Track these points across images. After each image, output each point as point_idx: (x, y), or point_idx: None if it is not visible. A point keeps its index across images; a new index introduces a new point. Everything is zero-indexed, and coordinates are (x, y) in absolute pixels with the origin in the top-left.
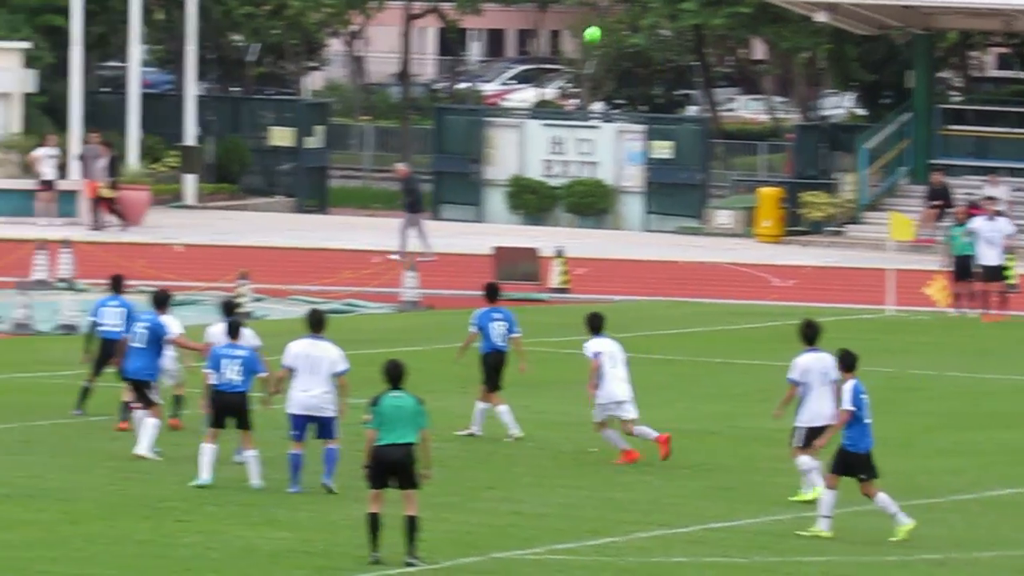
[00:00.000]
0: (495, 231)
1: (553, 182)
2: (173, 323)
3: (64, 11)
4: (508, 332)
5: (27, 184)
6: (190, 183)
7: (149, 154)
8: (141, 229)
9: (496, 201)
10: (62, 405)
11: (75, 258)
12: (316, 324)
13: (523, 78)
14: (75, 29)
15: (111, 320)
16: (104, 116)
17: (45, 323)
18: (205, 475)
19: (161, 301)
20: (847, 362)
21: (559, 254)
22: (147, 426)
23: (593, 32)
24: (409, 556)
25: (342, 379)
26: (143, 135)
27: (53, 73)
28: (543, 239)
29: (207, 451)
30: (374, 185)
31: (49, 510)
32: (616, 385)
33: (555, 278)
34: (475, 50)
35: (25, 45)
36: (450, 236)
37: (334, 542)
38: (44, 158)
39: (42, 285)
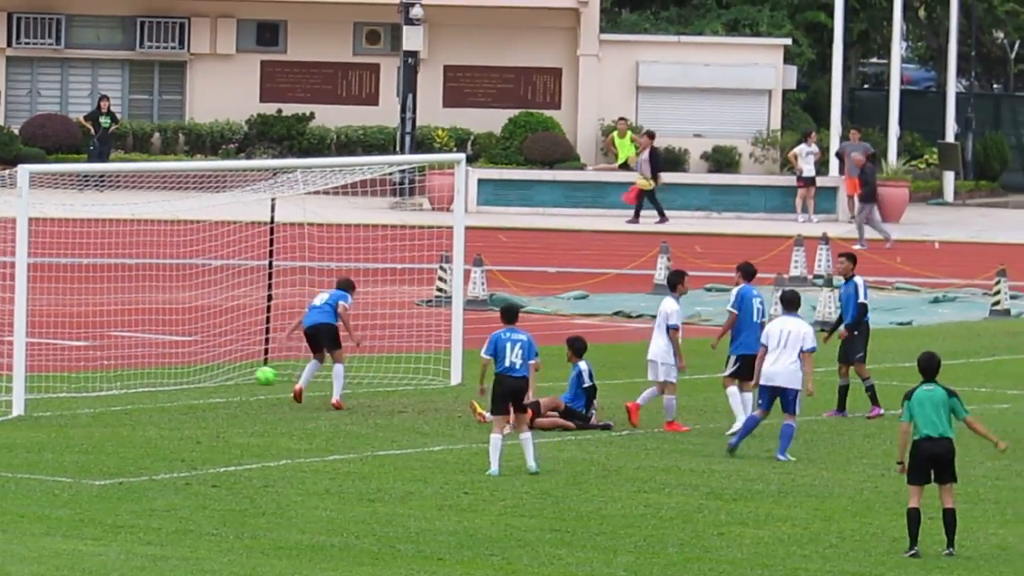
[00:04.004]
0: None
1: None
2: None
3: (827, 7)
4: None
5: (786, 180)
6: (949, 180)
7: (908, 151)
8: (899, 226)
9: None
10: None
11: (832, 255)
12: (791, 303)
13: None
14: (837, 26)
15: None
16: (863, 113)
17: None
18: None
19: None
20: None
21: None
22: None
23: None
24: (949, 548)
25: (808, 356)
26: (902, 132)
27: (812, 69)
28: None
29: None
30: None
31: (802, 506)
32: None
33: None
34: None
35: (786, 41)
36: None
37: None
38: (804, 155)
39: (799, 281)
